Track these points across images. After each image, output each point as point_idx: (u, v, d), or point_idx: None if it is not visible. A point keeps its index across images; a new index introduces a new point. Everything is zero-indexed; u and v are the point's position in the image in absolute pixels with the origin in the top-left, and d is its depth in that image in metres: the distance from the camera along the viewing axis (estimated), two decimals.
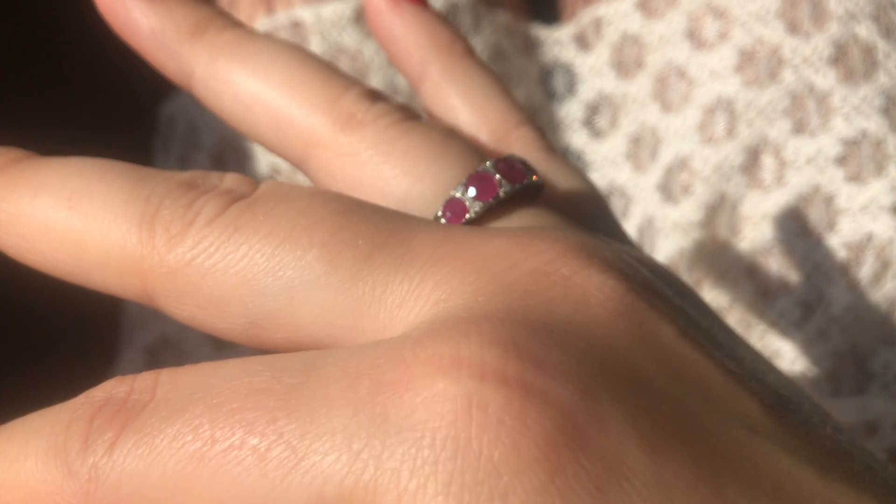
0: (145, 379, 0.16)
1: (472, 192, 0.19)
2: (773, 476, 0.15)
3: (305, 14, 0.39)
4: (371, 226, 0.17)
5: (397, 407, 0.14)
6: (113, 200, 0.17)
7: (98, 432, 0.15)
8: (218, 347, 0.36)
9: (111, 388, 0.16)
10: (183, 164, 0.40)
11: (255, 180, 0.18)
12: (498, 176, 0.19)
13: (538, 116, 0.43)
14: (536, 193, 0.20)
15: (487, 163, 0.20)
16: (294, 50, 0.21)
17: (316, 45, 0.38)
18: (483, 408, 0.13)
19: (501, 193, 0.19)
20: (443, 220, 0.19)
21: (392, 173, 0.20)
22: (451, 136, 0.20)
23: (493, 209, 0.19)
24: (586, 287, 0.16)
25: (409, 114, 0.21)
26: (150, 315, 0.38)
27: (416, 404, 0.14)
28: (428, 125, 0.20)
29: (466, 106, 0.23)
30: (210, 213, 0.17)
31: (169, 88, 0.43)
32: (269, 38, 0.22)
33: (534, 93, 0.44)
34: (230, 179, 0.18)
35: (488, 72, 0.24)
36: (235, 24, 0.22)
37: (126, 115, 0.42)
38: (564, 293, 0.16)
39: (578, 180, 0.22)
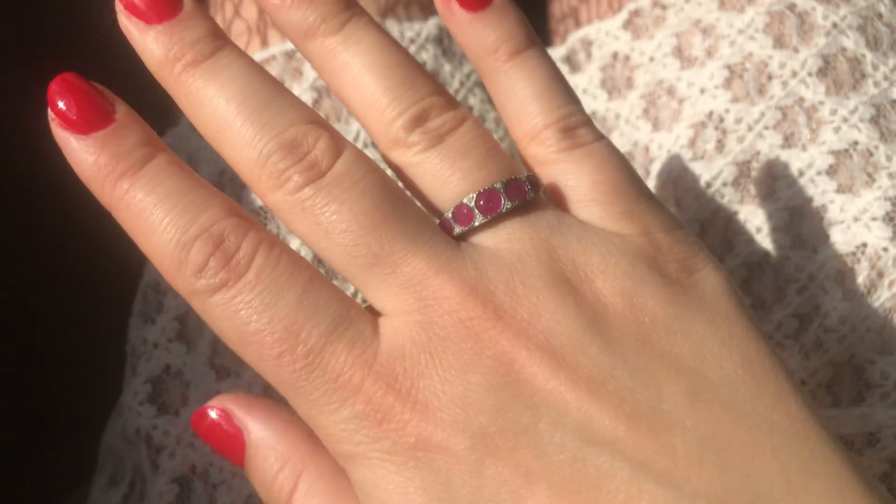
0: None
1: (480, 204, 0.24)
2: (591, 477, 0.21)
3: None
4: (385, 240, 0.23)
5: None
6: (241, 140, 0.24)
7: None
8: (219, 378, 0.36)
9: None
10: None
11: (335, 150, 0.24)
12: (504, 196, 0.24)
13: None
14: (538, 198, 0.25)
15: (497, 183, 0.25)
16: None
17: (310, 72, 0.39)
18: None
19: (502, 210, 0.24)
20: (453, 221, 0.25)
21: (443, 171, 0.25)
22: (490, 153, 0.26)
23: (494, 219, 0.24)
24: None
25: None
26: (152, 346, 0.38)
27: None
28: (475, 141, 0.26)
29: (506, 109, 0.28)
30: (291, 186, 0.24)
31: (167, 122, 0.44)
32: None
33: None
34: (317, 150, 0.24)
35: (541, 64, 0.28)
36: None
37: None
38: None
39: (594, 166, 0.26)
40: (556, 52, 0.46)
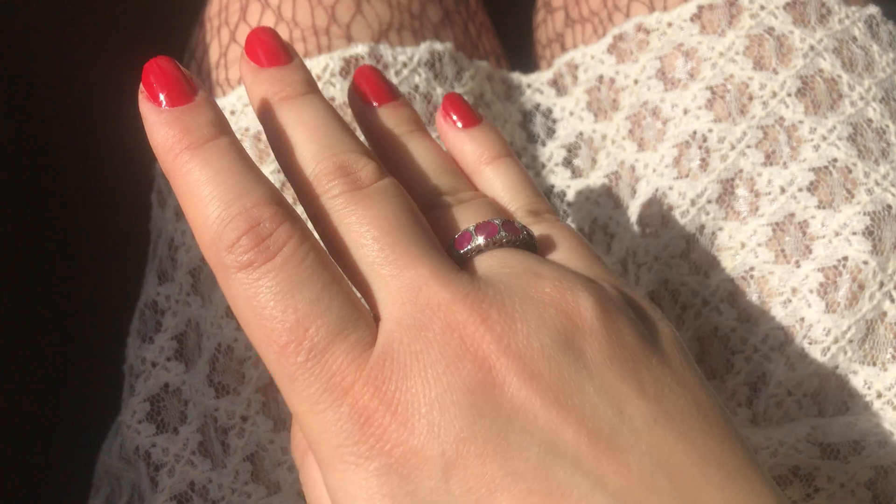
0: None
1: (480, 231, 0.27)
2: (552, 488, 0.22)
3: None
4: (398, 245, 0.26)
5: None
6: (303, 153, 0.28)
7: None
8: (218, 396, 0.37)
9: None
10: (179, 217, 0.40)
11: (378, 174, 0.27)
12: (501, 229, 0.27)
13: (521, 158, 0.44)
14: (530, 245, 0.28)
15: (496, 219, 0.28)
16: None
17: None
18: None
19: (498, 236, 0.27)
20: (454, 240, 0.28)
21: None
22: (494, 212, 0.30)
23: (489, 244, 0.27)
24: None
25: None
26: (150, 365, 0.38)
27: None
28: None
29: (505, 193, 0.32)
30: (336, 190, 0.27)
31: None
32: None
33: (516, 136, 0.45)
34: (366, 171, 0.27)
35: (511, 169, 0.32)
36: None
37: (126, 176, 0.43)
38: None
39: (567, 235, 0.29)
40: (543, 76, 0.47)
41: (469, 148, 0.33)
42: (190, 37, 0.46)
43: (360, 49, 0.40)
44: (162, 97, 0.26)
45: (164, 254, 0.41)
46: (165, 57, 0.27)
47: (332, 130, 0.28)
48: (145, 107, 0.26)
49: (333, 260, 0.26)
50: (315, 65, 0.40)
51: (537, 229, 0.29)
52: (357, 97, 0.33)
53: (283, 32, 0.41)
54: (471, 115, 0.33)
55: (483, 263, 0.27)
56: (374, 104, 0.32)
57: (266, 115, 0.29)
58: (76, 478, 0.41)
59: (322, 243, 0.26)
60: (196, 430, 0.37)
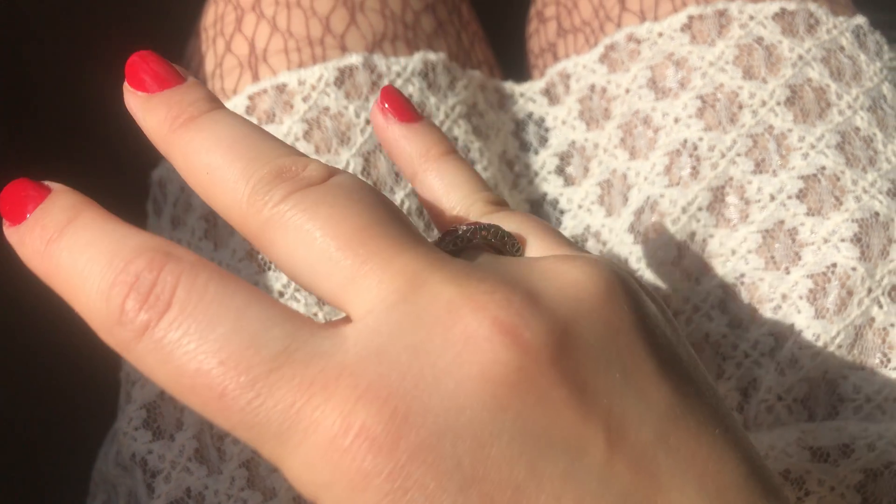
0: None
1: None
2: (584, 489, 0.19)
3: (288, 78, 0.40)
4: (369, 238, 0.21)
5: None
6: (228, 174, 0.22)
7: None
8: None
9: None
10: (175, 226, 0.41)
11: (328, 171, 0.23)
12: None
13: (514, 166, 0.45)
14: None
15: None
16: None
17: (299, 106, 0.40)
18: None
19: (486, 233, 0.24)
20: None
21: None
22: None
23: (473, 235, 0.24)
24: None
25: None
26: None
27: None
28: None
29: (444, 188, 0.29)
30: (278, 195, 0.22)
31: (159, 155, 0.44)
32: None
33: (509, 145, 0.45)
34: (310, 170, 0.23)
35: (461, 164, 0.30)
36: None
37: (122, 186, 0.43)
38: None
39: (520, 220, 0.27)
40: (536, 86, 0.47)
41: (414, 145, 0.30)
42: (185, 47, 0.46)
43: (355, 59, 0.41)
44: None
45: None
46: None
47: (257, 141, 0.23)
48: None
49: (295, 281, 0.22)
50: (310, 75, 0.40)
51: (492, 218, 0.27)
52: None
53: (278, 43, 0.41)
54: (412, 111, 0.30)
55: (480, 254, 0.24)
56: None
57: (169, 146, 0.24)
58: (73, 485, 0.42)
59: (277, 265, 0.22)
60: (192, 436, 0.37)
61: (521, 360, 0.19)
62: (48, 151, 0.51)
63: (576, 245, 0.26)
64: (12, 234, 0.23)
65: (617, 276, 0.22)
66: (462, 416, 0.19)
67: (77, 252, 0.21)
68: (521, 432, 0.19)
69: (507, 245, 0.25)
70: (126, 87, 0.25)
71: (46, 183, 0.23)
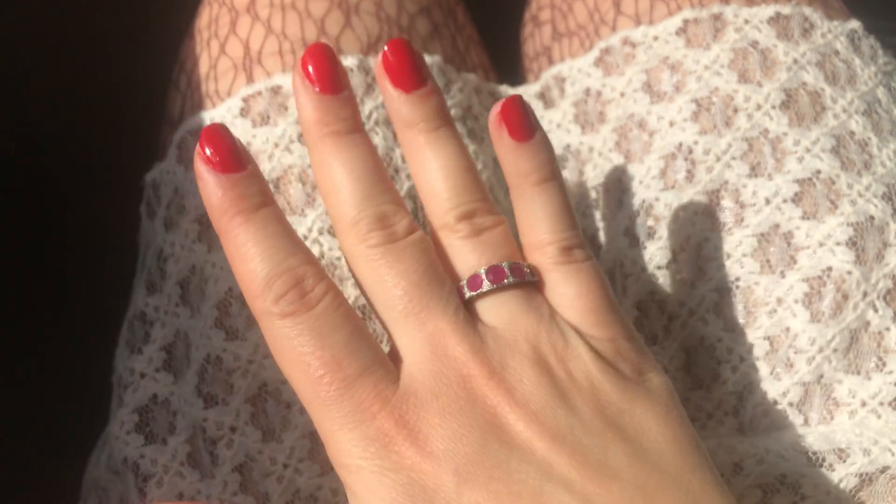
0: None
1: (489, 276, 0.31)
2: (550, 502, 0.26)
3: (283, 80, 0.40)
4: (424, 297, 0.30)
5: None
6: (351, 200, 0.31)
7: None
8: (207, 406, 0.37)
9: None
10: (168, 228, 0.40)
11: (409, 228, 0.31)
12: (508, 271, 0.31)
13: None
14: (535, 284, 0.32)
15: (504, 263, 0.31)
16: None
17: (294, 109, 0.39)
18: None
19: (506, 282, 0.31)
20: (465, 286, 0.31)
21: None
22: (504, 246, 0.32)
23: (496, 289, 0.31)
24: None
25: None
26: (139, 376, 0.38)
27: None
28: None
29: (522, 221, 0.33)
30: (374, 240, 0.30)
31: (156, 156, 0.44)
32: None
33: None
34: (399, 226, 0.31)
35: (556, 198, 0.33)
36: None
37: (116, 188, 0.43)
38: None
39: (579, 281, 0.32)
40: (531, 89, 0.47)
41: (518, 164, 0.33)
42: (179, 49, 0.46)
43: (350, 61, 0.41)
44: (219, 160, 0.30)
45: (153, 265, 0.41)
46: (220, 124, 0.30)
47: (376, 181, 0.31)
48: (203, 168, 0.30)
49: (364, 298, 0.31)
50: None
51: (556, 273, 0.32)
52: (385, 80, 0.33)
53: (273, 45, 0.41)
54: (526, 129, 0.33)
55: (492, 317, 0.30)
56: (402, 91, 0.33)
57: (313, 142, 0.32)
58: (63, 489, 0.41)
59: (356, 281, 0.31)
60: (185, 440, 0.36)
61: (494, 420, 0.28)
62: (48, 152, 0.51)
63: (603, 313, 0.31)
64: (210, 176, 0.30)
65: (586, 372, 0.30)
66: (457, 444, 0.28)
67: (260, 236, 0.29)
68: (499, 461, 0.27)
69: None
70: (298, 76, 0.32)
71: (243, 147, 0.31)
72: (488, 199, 0.33)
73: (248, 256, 0.29)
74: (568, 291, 0.31)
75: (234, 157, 0.30)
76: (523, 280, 0.31)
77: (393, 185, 0.32)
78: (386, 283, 0.30)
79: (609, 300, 0.32)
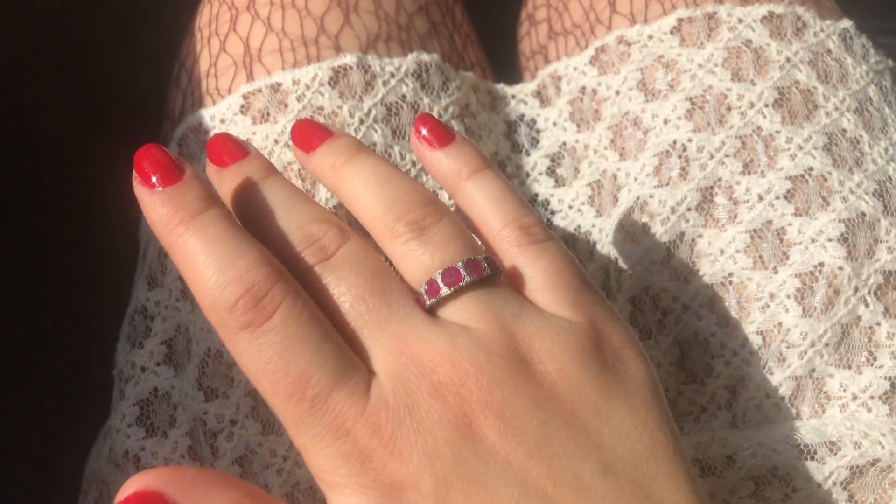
0: None
1: (445, 279, 0.29)
2: None
3: (283, 77, 0.41)
4: (371, 309, 0.29)
5: None
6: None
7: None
8: (207, 400, 0.37)
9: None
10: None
11: (342, 238, 0.30)
12: (464, 271, 0.29)
13: (506, 167, 0.45)
14: (496, 276, 0.30)
15: (459, 262, 0.29)
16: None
17: (294, 106, 0.40)
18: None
19: (463, 283, 0.29)
20: (425, 295, 0.29)
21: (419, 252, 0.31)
22: (455, 239, 0.31)
23: (455, 292, 0.29)
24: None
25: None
26: (140, 369, 0.39)
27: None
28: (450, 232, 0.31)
29: (472, 218, 0.33)
30: (308, 261, 0.29)
31: None
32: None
33: (501, 146, 0.46)
34: (326, 239, 0.30)
35: (493, 182, 0.33)
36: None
37: (116, 183, 0.43)
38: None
39: (545, 263, 0.31)
40: (527, 87, 0.48)
41: (446, 165, 0.33)
42: (180, 47, 0.47)
43: (349, 59, 0.41)
44: (154, 179, 0.29)
45: (154, 260, 0.41)
46: (153, 144, 0.30)
47: (294, 203, 0.31)
48: (140, 190, 0.29)
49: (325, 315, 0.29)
50: (304, 75, 0.40)
51: (518, 257, 0.31)
52: (296, 149, 0.35)
53: (273, 42, 0.42)
54: (444, 133, 0.34)
55: (458, 316, 0.29)
56: (311, 151, 0.34)
57: (234, 205, 0.32)
58: (64, 482, 0.42)
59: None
60: (185, 433, 0.37)
61: (469, 433, 0.27)
62: (49, 150, 0.51)
63: (577, 291, 0.30)
64: (145, 195, 0.29)
65: (561, 368, 0.28)
66: (434, 460, 0.27)
67: (203, 242, 0.27)
68: (476, 476, 0.26)
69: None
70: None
71: (177, 158, 0.29)
72: (421, 193, 0.32)
73: (195, 266, 0.28)
74: (536, 275, 0.31)
75: (169, 171, 0.29)
76: (482, 276, 0.29)
77: (311, 200, 0.32)
78: (333, 301, 0.29)
79: (582, 278, 0.31)
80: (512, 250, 0.31)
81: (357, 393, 0.27)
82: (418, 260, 0.30)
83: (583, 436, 0.27)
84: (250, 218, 0.31)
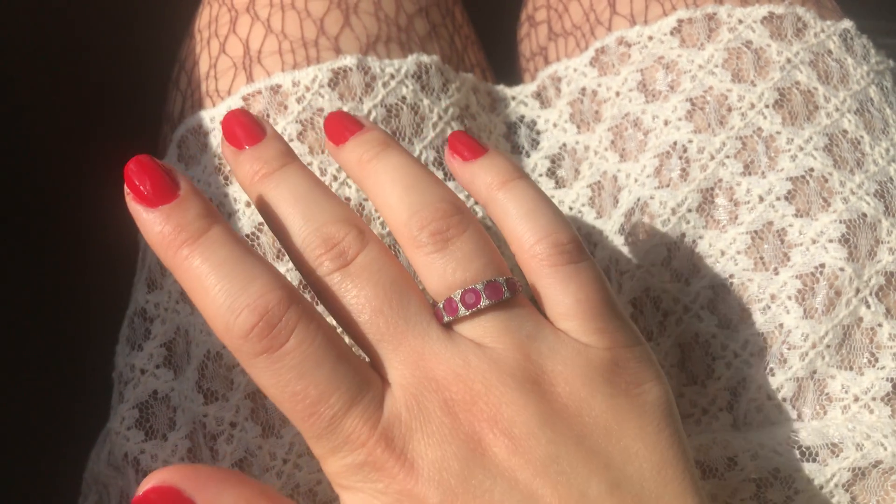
0: None
1: (464, 300, 0.29)
2: None
3: (282, 79, 0.41)
4: (390, 322, 0.29)
5: None
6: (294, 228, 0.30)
7: None
8: (207, 402, 0.37)
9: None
10: None
11: (362, 242, 0.29)
12: (483, 293, 0.29)
13: None
14: (515, 298, 0.30)
15: (479, 284, 0.29)
16: None
17: (293, 107, 0.40)
18: None
19: (481, 306, 0.29)
20: (442, 311, 0.29)
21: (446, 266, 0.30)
22: (478, 256, 0.30)
23: (472, 314, 0.29)
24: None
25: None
26: (139, 372, 0.39)
27: None
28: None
29: (506, 225, 0.32)
30: (325, 268, 0.29)
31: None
32: None
33: (501, 147, 0.45)
34: (345, 243, 0.29)
35: (527, 193, 0.32)
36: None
37: (115, 185, 0.43)
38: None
39: (575, 286, 0.30)
40: (527, 89, 0.48)
41: (479, 177, 0.33)
42: (180, 48, 0.46)
43: (349, 61, 0.41)
44: (148, 194, 0.28)
45: (153, 262, 0.41)
46: (143, 155, 0.29)
47: (314, 199, 0.30)
48: (134, 208, 0.28)
49: (341, 326, 0.29)
50: (304, 76, 0.40)
51: (548, 278, 0.30)
52: (327, 141, 0.34)
53: (272, 44, 0.42)
54: (476, 146, 0.34)
55: (474, 333, 0.29)
56: (342, 143, 0.34)
57: (253, 194, 0.31)
58: (64, 484, 0.41)
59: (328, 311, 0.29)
60: (185, 436, 0.37)
61: (478, 448, 0.28)
62: (48, 151, 0.51)
63: (604, 318, 0.30)
64: (141, 213, 0.28)
65: (574, 391, 0.28)
66: (442, 473, 0.27)
67: (211, 265, 0.27)
68: (483, 491, 0.27)
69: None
70: (225, 147, 0.31)
71: (172, 170, 0.28)
72: (447, 199, 0.31)
73: (204, 289, 0.27)
74: (565, 300, 0.30)
75: (164, 186, 0.28)
76: (500, 300, 0.29)
77: (335, 198, 0.31)
78: (352, 309, 0.29)
79: (610, 305, 0.30)
80: (543, 269, 0.30)
81: (371, 407, 0.27)
82: (439, 273, 0.30)
83: (591, 455, 0.27)
84: (267, 212, 0.31)
